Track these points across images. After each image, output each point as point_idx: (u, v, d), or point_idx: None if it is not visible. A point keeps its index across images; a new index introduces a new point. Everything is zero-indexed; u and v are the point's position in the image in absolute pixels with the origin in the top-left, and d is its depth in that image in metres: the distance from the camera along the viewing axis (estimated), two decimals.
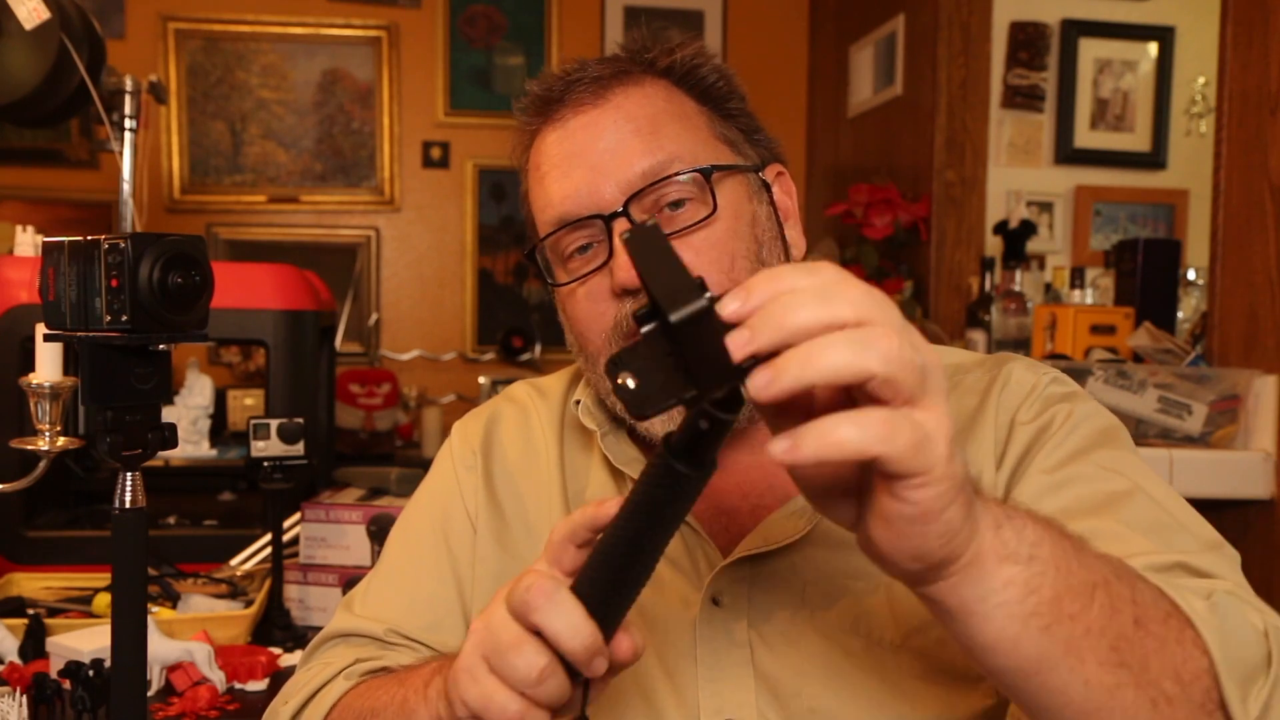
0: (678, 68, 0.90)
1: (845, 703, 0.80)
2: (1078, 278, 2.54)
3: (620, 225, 0.84)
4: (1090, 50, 3.28)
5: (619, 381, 0.54)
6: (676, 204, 0.85)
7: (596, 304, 0.87)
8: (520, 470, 0.98)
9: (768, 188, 0.92)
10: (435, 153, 3.84)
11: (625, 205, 0.84)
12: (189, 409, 2.30)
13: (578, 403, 0.96)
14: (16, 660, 1.30)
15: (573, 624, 0.58)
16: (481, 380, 3.66)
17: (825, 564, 0.84)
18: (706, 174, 0.85)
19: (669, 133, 0.86)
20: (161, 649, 1.25)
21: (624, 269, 0.82)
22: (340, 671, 0.90)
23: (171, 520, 1.87)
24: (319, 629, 1.50)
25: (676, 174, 0.85)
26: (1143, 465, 0.83)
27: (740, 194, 0.88)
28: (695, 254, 0.84)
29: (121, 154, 1.87)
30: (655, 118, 0.86)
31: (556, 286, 0.90)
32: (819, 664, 0.82)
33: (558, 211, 0.87)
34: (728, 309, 0.51)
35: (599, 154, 0.85)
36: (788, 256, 0.91)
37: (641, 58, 0.90)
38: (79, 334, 0.82)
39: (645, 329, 0.54)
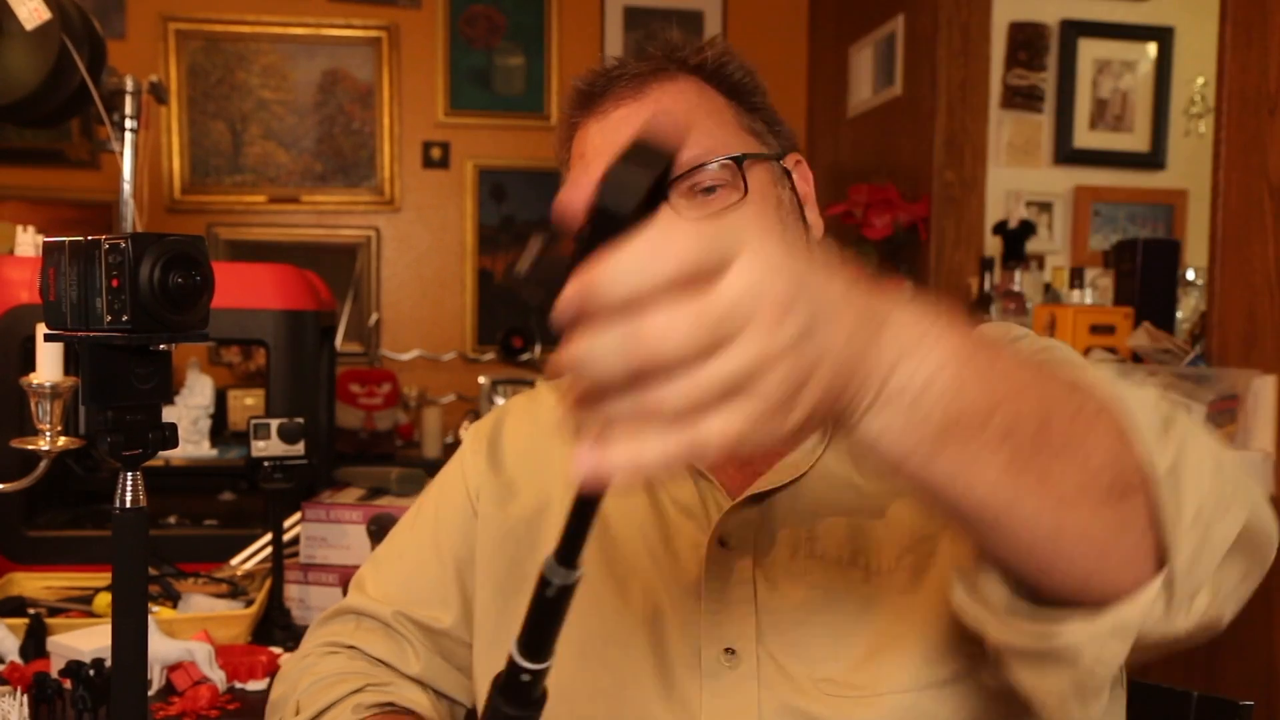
0: (708, 65, 0.97)
1: (839, 628, 0.85)
2: (1077, 278, 2.54)
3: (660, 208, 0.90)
4: (1089, 51, 3.29)
5: None
6: (709, 190, 0.92)
7: None
8: (524, 440, 1.05)
9: (788, 175, 0.99)
10: (435, 153, 3.84)
11: None
12: (189, 409, 2.31)
13: None
14: (17, 660, 1.30)
15: None
16: (481, 380, 3.66)
17: (826, 499, 0.90)
18: (739, 161, 0.92)
19: (703, 127, 0.93)
20: (162, 648, 1.25)
21: None
22: (351, 693, 0.93)
23: (172, 520, 1.87)
24: None
25: (713, 162, 0.92)
26: (1089, 366, 0.86)
27: (766, 180, 0.96)
28: None
29: (122, 154, 1.87)
30: (690, 112, 0.94)
31: None
32: (820, 596, 0.86)
33: None
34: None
35: None
36: (807, 237, 0.98)
37: (675, 56, 0.97)
38: (79, 334, 0.82)
39: None
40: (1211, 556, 0.63)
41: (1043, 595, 0.64)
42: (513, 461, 1.04)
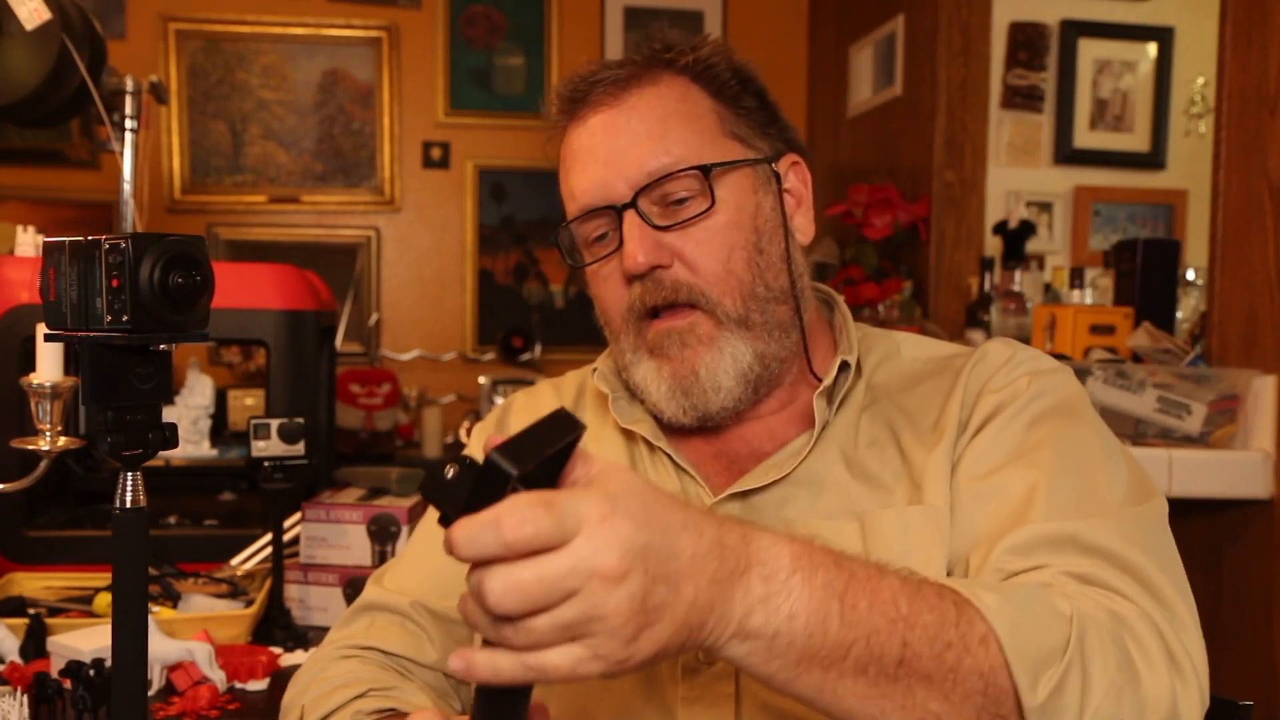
0: (694, 66, 0.97)
1: None
2: (1077, 278, 2.54)
3: (629, 216, 0.93)
4: (1089, 51, 3.28)
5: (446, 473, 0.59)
6: (680, 200, 0.93)
7: (614, 287, 0.96)
8: None
9: (778, 178, 0.98)
10: (435, 153, 3.84)
11: (634, 199, 0.93)
12: (189, 409, 2.31)
13: (595, 370, 1.04)
14: (17, 660, 1.30)
15: None
16: (481, 380, 3.66)
17: (806, 504, 0.91)
18: (706, 171, 0.93)
19: (676, 135, 0.93)
20: (162, 648, 1.25)
21: (629, 257, 0.92)
22: (352, 699, 0.94)
23: (172, 520, 1.87)
24: (319, 629, 1.52)
25: (678, 173, 0.92)
26: (1087, 434, 0.88)
27: (743, 187, 0.95)
28: (695, 245, 0.93)
29: (122, 154, 1.87)
30: (666, 119, 0.94)
31: (580, 267, 1.00)
32: None
33: (579, 202, 0.96)
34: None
35: (611, 152, 0.94)
36: (788, 243, 0.98)
37: (661, 57, 0.97)
38: (80, 334, 0.82)
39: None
40: None
41: None
42: None
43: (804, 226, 1.00)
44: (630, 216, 0.92)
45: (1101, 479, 0.83)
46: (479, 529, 0.55)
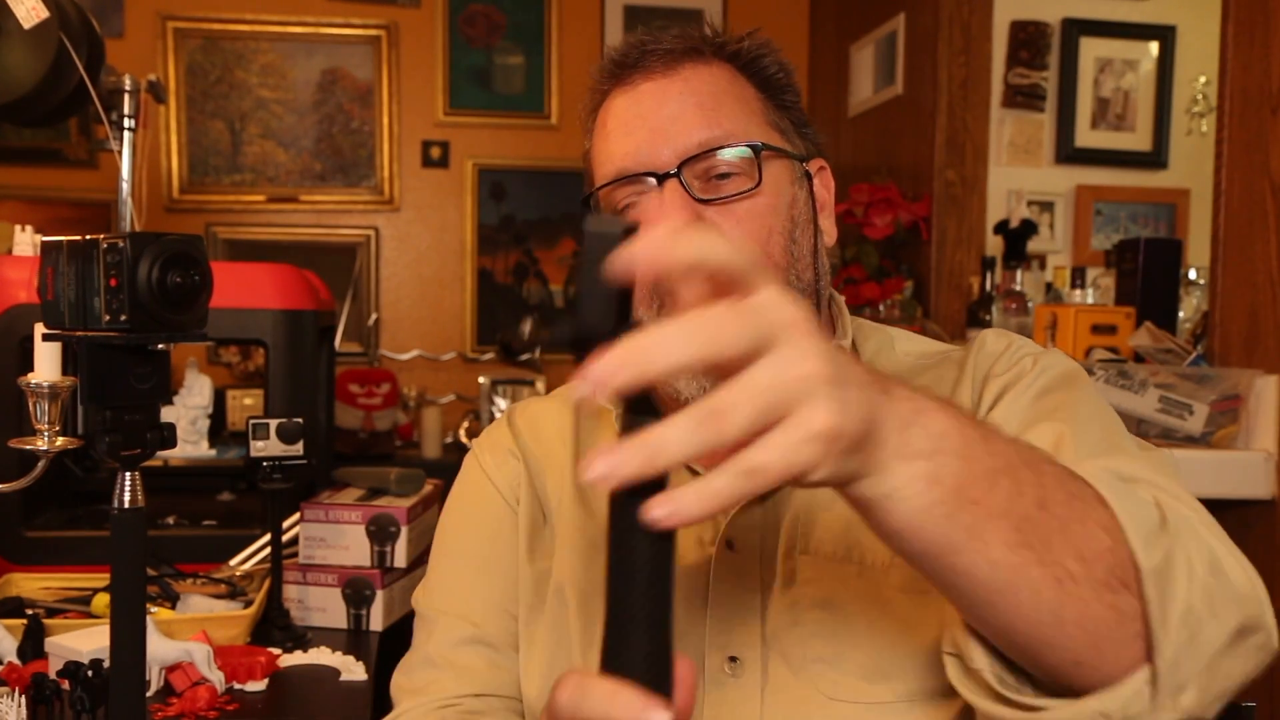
0: (743, 54, 0.98)
1: (839, 629, 0.85)
2: (1078, 277, 2.53)
3: (671, 185, 0.90)
4: (1091, 49, 3.28)
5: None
6: (724, 175, 0.92)
7: None
8: (542, 456, 1.03)
9: (809, 178, 0.99)
10: (435, 152, 3.84)
11: (679, 168, 0.90)
12: (188, 409, 2.30)
13: None
14: (15, 660, 1.29)
15: (606, 696, 0.51)
16: (481, 380, 3.65)
17: (827, 493, 0.88)
18: (756, 150, 0.92)
19: (728, 111, 0.93)
20: (160, 649, 1.25)
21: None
22: None
23: (170, 520, 1.87)
24: (319, 629, 1.52)
25: (729, 146, 0.91)
26: (1095, 398, 0.88)
27: (784, 176, 0.95)
28: (736, 222, 0.91)
29: (120, 153, 1.86)
30: (718, 95, 0.94)
31: None
32: (818, 596, 0.86)
33: (617, 166, 0.93)
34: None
35: (661, 119, 0.92)
36: (817, 240, 0.98)
37: (712, 41, 0.98)
38: (78, 333, 0.82)
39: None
40: (1199, 656, 0.64)
41: (1029, 675, 0.65)
42: (537, 469, 1.02)
43: (828, 228, 1.00)
44: (672, 185, 0.90)
45: (1119, 432, 0.83)
46: (645, 240, 0.49)
